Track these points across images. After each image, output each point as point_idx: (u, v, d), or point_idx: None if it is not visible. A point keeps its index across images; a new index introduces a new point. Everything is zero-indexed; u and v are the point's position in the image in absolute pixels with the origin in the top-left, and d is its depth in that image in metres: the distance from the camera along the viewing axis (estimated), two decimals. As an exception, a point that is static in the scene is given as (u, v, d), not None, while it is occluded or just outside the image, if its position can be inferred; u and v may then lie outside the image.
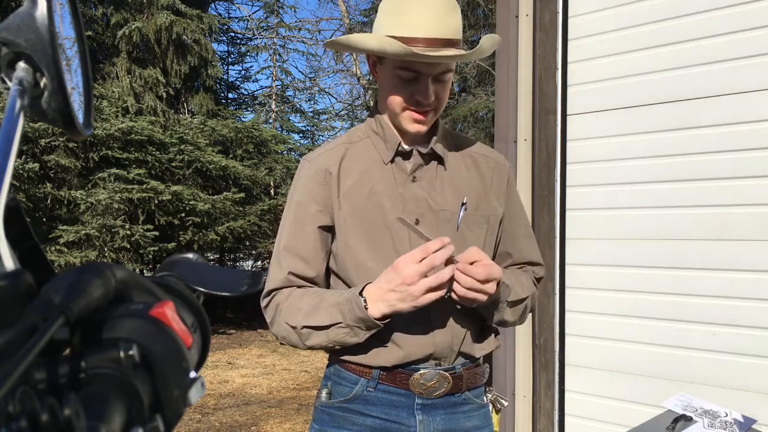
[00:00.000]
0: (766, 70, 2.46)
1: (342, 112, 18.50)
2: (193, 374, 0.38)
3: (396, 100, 1.27)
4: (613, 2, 2.84)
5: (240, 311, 12.00)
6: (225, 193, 9.42)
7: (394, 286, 1.14)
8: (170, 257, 0.49)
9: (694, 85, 2.62)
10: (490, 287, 1.17)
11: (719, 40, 2.57)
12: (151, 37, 10.73)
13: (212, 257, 12.31)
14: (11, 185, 0.36)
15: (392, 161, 1.32)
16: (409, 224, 1.19)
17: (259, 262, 14.24)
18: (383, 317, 1.17)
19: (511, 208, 1.40)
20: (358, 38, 1.24)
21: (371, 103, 16.87)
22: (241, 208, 9.73)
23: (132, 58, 10.86)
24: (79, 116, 0.43)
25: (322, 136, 18.29)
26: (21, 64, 0.40)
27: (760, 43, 2.47)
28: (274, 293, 1.30)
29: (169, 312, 0.38)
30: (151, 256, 8.74)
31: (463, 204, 1.31)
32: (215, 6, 15.15)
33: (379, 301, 1.16)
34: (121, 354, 0.35)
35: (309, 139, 17.74)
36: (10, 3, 8.72)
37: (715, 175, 2.56)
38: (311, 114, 17.70)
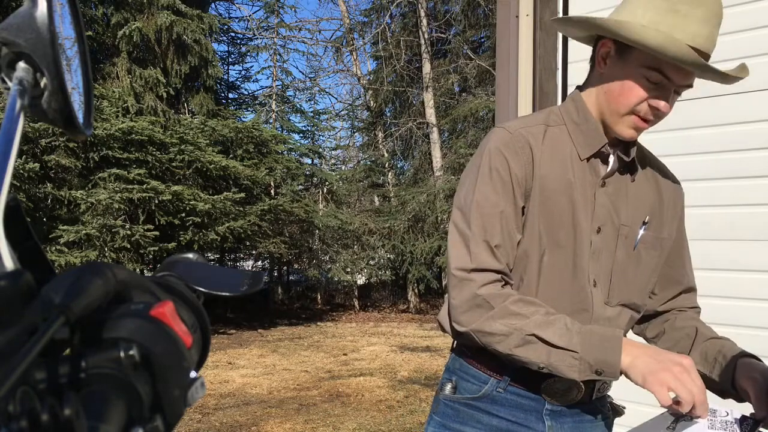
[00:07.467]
0: (766, 70, 2.46)
1: (342, 112, 18.52)
2: (193, 374, 0.38)
3: (628, 101, 1.16)
4: (613, 2, 2.83)
5: (240, 311, 12.01)
6: (225, 193, 9.43)
7: (669, 363, 1.03)
8: (170, 257, 0.49)
9: (694, 84, 2.62)
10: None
11: (719, 40, 2.57)
12: (151, 37, 10.74)
13: (212, 257, 12.32)
14: (11, 185, 0.36)
15: (587, 159, 1.22)
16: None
17: (260, 262, 14.26)
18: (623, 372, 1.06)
19: (681, 234, 1.35)
20: (627, 27, 1.16)
21: (371, 103, 16.87)
22: (241, 208, 9.74)
23: (132, 58, 10.87)
24: (80, 116, 0.43)
25: (322, 136, 18.32)
26: (21, 64, 0.40)
27: (761, 43, 2.47)
28: (485, 282, 1.14)
29: (169, 312, 0.38)
30: (151, 256, 8.75)
31: (644, 223, 1.25)
32: (215, 6, 15.19)
33: (640, 360, 1.05)
34: (122, 354, 0.35)
35: (309, 139, 17.74)
36: (10, 3, 8.73)
37: (715, 175, 2.56)
38: (311, 114, 17.71)
